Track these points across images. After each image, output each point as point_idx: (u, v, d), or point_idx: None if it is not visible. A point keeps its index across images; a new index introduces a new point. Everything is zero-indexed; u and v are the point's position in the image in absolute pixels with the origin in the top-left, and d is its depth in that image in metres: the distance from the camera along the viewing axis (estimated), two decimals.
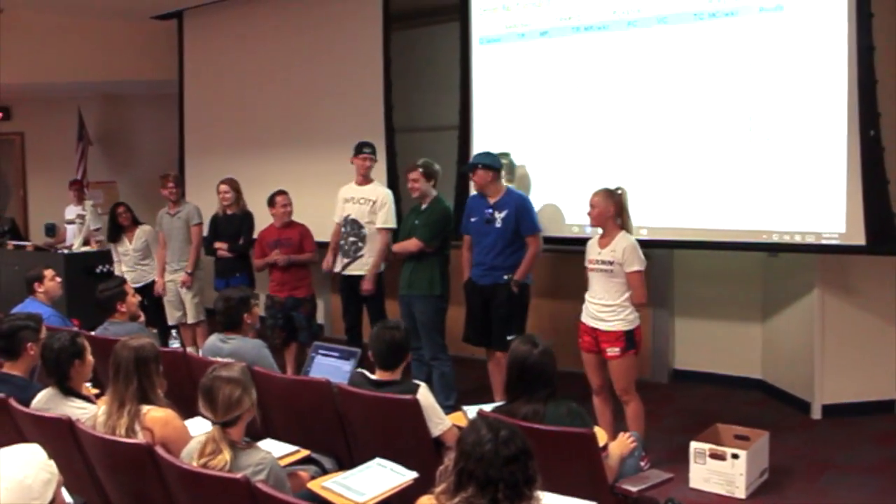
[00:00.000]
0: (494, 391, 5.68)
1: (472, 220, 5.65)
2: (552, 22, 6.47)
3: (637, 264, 4.78)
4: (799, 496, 4.64)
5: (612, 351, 4.81)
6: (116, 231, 7.83)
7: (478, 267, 5.60)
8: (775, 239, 5.55)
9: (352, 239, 6.36)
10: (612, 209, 4.86)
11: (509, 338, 5.37)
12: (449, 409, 5.45)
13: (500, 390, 5.53)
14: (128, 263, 7.76)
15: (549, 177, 6.41)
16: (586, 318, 4.96)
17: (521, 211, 5.48)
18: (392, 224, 6.33)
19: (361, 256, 6.33)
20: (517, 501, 2.28)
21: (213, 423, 2.99)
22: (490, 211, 5.51)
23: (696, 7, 5.78)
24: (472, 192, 6.76)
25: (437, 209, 5.91)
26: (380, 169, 7.10)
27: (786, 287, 6.28)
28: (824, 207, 5.35)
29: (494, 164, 5.55)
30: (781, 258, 6.14)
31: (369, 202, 6.33)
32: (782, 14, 5.45)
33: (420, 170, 5.94)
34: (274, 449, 3.32)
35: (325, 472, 3.70)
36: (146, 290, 7.50)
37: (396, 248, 6.06)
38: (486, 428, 2.35)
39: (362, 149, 6.40)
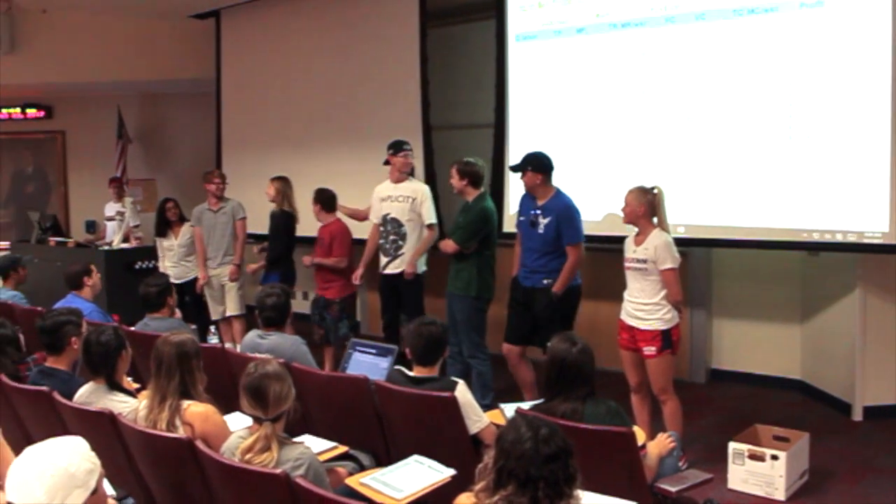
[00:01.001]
0: (523, 388, 5.68)
1: (521, 219, 5.61)
2: (589, 19, 6.45)
3: (670, 262, 4.74)
4: (840, 499, 4.58)
5: (649, 350, 4.78)
6: (164, 226, 7.87)
7: (522, 268, 5.56)
8: (816, 238, 5.50)
9: (392, 237, 6.34)
10: (643, 208, 4.82)
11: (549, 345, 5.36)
12: (485, 409, 5.47)
13: (529, 386, 5.59)
14: (171, 259, 7.80)
15: (587, 174, 6.39)
16: (624, 316, 4.94)
17: (562, 219, 5.37)
18: (435, 219, 6.32)
19: (403, 255, 6.32)
20: (557, 500, 2.27)
21: (263, 420, 3.01)
22: (536, 213, 5.46)
23: (735, 3, 5.73)
24: (504, 188, 6.81)
25: (475, 210, 5.86)
26: (417, 167, 7.12)
27: (826, 287, 6.20)
28: (867, 206, 5.28)
29: (544, 166, 5.49)
30: (822, 257, 6.07)
31: (409, 199, 6.31)
32: (823, 10, 5.39)
33: (454, 167, 5.95)
34: (312, 445, 3.33)
35: (362, 468, 3.71)
36: (189, 286, 7.58)
37: (440, 245, 6.06)
38: (525, 426, 2.34)
39: (402, 146, 6.37)
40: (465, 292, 5.85)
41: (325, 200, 6.79)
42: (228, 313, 7.48)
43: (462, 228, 5.84)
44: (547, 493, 2.26)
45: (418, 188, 6.37)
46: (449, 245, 5.86)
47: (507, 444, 2.32)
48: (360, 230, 6.95)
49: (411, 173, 6.50)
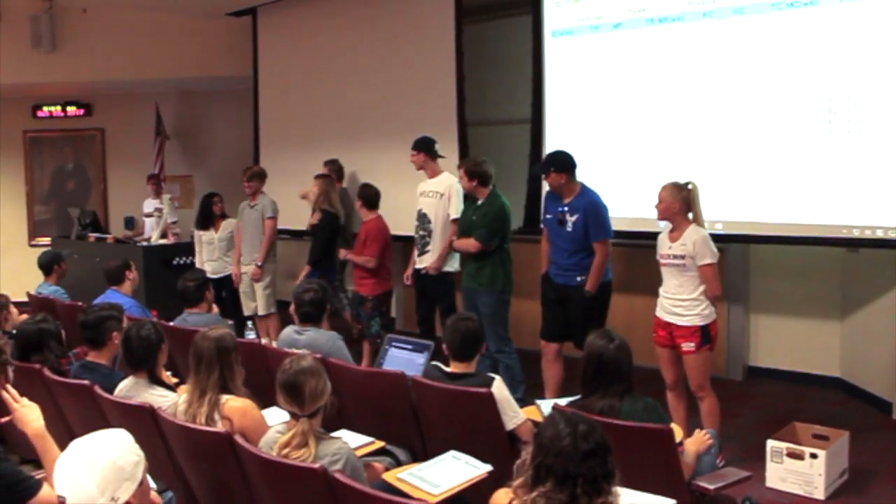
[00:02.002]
0: (546, 387, 5.67)
1: (548, 216, 5.60)
2: (625, 14, 6.42)
3: (709, 257, 4.70)
4: (880, 499, 4.51)
5: (688, 346, 4.74)
6: (207, 219, 7.92)
7: (553, 265, 5.57)
8: (856, 234, 5.43)
9: (421, 233, 6.42)
10: (678, 204, 4.78)
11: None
12: (518, 403, 5.50)
13: (553, 387, 5.59)
14: (211, 253, 7.87)
15: (623, 170, 6.37)
16: (661, 313, 4.90)
17: (589, 216, 5.37)
18: (458, 214, 6.34)
19: (428, 252, 6.37)
20: (595, 496, 2.27)
21: (299, 416, 3.03)
22: (563, 210, 5.45)
23: None
24: (542, 185, 6.77)
25: (494, 207, 5.88)
26: (452, 163, 7.11)
27: (866, 283, 6.11)
28: None
29: (567, 165, 5.47)
30: (862, 253, 5.98)
31: (438, 195, 6.37)
32: (864, 2, 5.31)
33: (461, 168, 5.99)
34: (349, 440, 3.34)
35: (399, 463, 3.73)
36: (227, 281, 7.65)
37: (456, 244, 6.08)
38: (564, 422, 2.34)
39: (413, 147, 6.47)
40: (490, 287, 5.87)
41: (367, 197, 6.80)
42: (259, 313, 7.53)
43: (484, 227, 5.84)
44: (585, 490, 2.25)
45: (447, 183, 6.40)
46: (471, 244, 5.87)
47: (545, 441, 2.32)
48: (395, 226, 6.96)
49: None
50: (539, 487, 2.29)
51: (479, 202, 5.92)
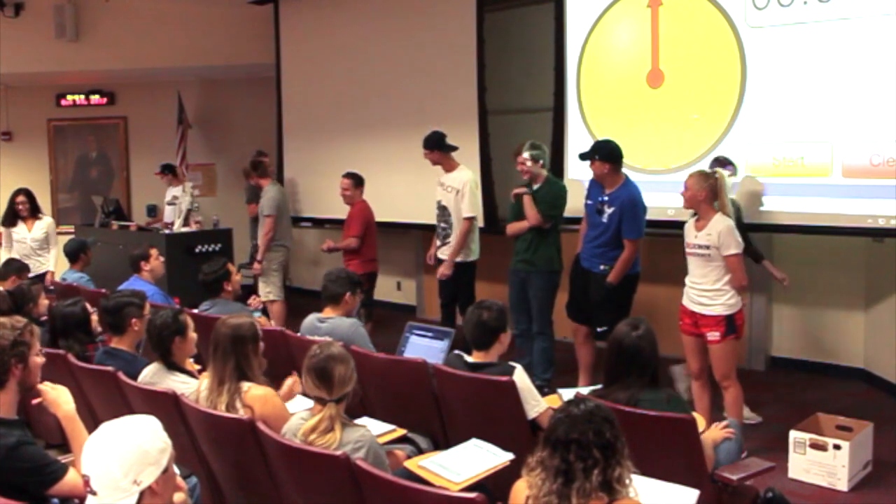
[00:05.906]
0: (580, 367, 5.75)
1: (589, 202, 5.64)
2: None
3: (734, 247, 4.68)
4: None
5: (713, 336, 4.73)
6: (13, 216, 7.81)
7: (584, 249, 5.63)
8: (881, 224, 5.37)
9: (442, 224, 6.56)
10: (703, 192, 4.76)
11: (599, 329, 5.38)
12: (545, 382, 5.50)
13: (585, 367, 5.72)
14: (21, 251, 7.72)
15: (647, 158, 6.32)
16: (687, 302, 4.89)
17: (625, 211, 5.38)
18: (472, 212, 6.39)
19: (449, 242, 6.48)
20: (591, 465, 2.29)
21: (326, 401, 3.04)
22: (602, 200, 5.46)
23: None
24: (564, 174, 6.77)
25: (555, 188, 5.98)
26: (472, 152, 7.12)
27: (891, 273, 6.04)
28: None
29: (613, 155, 5.45)
30: (887, 243, 5.92)
31: (454, 190, 6.46)
32: None
33: (529, 153, 5.97)
34: (371, 427, 3.35)
35: (420, 451, 3.73)
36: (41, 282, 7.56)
37: (511, 229, 6.06)
38: (570, 403, 2.42)
39: (424, 146, 6.53)
40: (547, 267, 5.92)
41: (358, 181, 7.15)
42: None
43: (545, 203, 5.88)
44: (579, 455, 2.29)
45: (464, 179, 6.48)
46: (532, 215, 5.84)
47: (551, 420, 2.42)
48: (416, 215, 6.99)
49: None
50: (538, 454, 2.37)
51: (536, 187, 5.94)
